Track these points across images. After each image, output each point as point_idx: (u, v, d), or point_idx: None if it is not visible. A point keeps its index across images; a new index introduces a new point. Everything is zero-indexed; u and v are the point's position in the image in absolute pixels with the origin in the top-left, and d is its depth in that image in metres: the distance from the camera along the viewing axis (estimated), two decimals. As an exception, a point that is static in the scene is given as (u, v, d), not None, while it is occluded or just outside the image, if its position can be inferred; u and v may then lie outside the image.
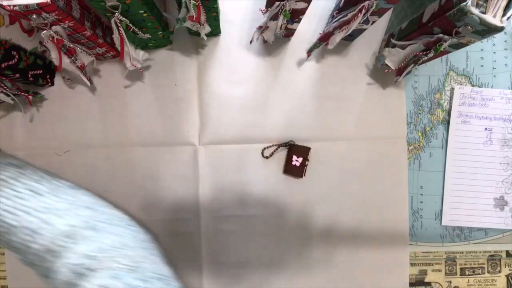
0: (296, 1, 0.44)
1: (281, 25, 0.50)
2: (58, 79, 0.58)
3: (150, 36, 0.50)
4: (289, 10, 0.45)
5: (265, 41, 0.57)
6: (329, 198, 0.59)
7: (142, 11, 0.44)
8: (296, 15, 0.48)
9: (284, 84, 0.59)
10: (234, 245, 0.59)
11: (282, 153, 0.59)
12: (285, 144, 0.58)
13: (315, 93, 0.59)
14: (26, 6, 0.38)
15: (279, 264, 0.60)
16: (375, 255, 0.59)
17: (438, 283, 0.61)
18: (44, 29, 0.43)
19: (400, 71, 0.53)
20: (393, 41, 0.52)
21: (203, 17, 0.46)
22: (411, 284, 0.60)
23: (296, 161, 0.57)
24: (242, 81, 0.59)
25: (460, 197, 0.60)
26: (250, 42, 0.53)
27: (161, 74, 0.58)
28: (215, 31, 0.57)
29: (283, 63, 0.59)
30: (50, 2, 0.38)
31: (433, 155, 0.60)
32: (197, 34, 0.51)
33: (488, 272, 0.62)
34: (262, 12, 0.47)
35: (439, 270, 0.61)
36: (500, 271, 0.62)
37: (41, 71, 0.54)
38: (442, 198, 0.60)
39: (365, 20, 0.46)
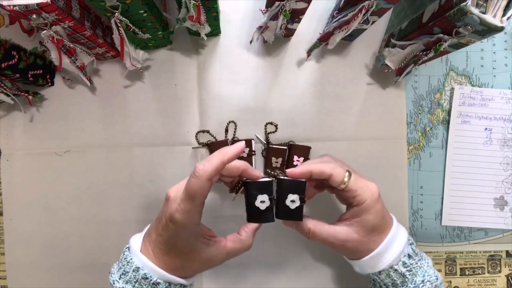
0: (296, 1, 0.44)
1: (281, 25, 0.49)
2: (58, 79, 0.58)
3: (150, 36, 0.50)
4: (289, 10, 0.45)
5: (265, 41, 0.57)
6: (329, 197, 0.59)
7: (142, 11, 0.44)
8: (296, 15, 0.48)
9: (284, 84, 0.59)
10: (234, 245, 0.59)
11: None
12: (285, 144, 0.58)
13: (315, 93, 0.59)
14: (26, 6, 0.38)
15: (279, 264, 0.60)
16: (375, 255, 0.59)
17: (438, 283, 0.61)
18: (44, 29, 0.43)
19: (400, 71, 0.53)
20: (393, 41, 0.52)
21: (203, 17, 0.46)
22: (411, 284, 0.60)
23: (298, 161, 0.57)
24: (242, 81, 0.59)
25: (460, 197, 0.60)
26: (250, 42, 0.53)
27: (161, 74, 0.58)
28: (215, 31, 0.57)
29: (283, 63, 0.59)
30: (50, 2, 0.38)
31: (433, 155, 0.60)
32: (197, 34, 0.51)
33: (488, 272, 0.62)
34: (262, 12, 0.47)
35: (439, 270, 0.61)
36: (500, 271, 0.62)
37: (41, 71, 0.54)
38: (442, 198, 0.60)
39: (365, 20, 0.46)
